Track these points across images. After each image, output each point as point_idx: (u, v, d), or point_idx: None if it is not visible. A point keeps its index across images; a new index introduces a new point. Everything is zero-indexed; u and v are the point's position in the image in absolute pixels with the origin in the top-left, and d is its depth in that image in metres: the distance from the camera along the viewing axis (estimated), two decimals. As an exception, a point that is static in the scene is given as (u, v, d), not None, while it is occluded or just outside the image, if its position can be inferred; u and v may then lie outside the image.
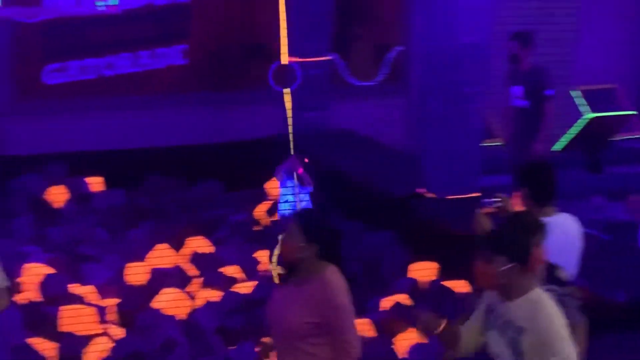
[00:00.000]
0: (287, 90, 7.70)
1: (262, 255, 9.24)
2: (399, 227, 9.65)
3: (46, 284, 8.61)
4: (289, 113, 7.69)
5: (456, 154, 9.58)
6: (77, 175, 10.96)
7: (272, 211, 10.36)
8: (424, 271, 9.02)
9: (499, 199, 6.01)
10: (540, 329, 4.72)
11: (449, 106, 9.59)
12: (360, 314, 8.30)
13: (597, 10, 13.71)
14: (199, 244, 9.51)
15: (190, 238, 9.57)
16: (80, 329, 8.02)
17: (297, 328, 5.16)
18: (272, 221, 10.25)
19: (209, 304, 8.43)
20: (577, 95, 13.32)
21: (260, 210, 10.45)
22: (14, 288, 8.53)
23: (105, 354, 7.76)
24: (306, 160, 9.32)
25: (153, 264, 9.08)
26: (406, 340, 7.99)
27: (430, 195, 9.72)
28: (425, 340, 7.79)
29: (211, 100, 12.71)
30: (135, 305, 8.42)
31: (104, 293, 8.64)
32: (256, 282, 8.70)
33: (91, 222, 10.03)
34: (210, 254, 9.39)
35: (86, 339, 7.92)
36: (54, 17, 12.05)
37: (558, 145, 13.14)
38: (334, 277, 5.21)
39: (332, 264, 5.24)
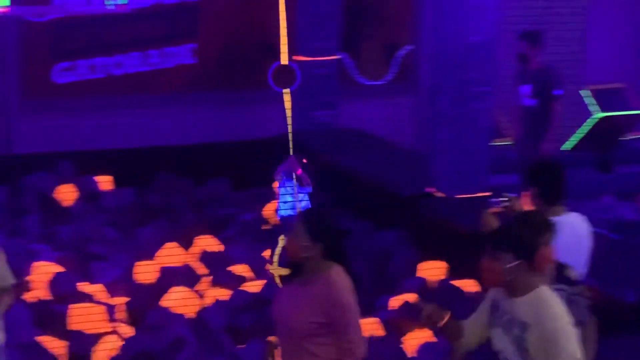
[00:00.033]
0: (286, 91, 7.69)
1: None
2: (407, 226, 9.65)
3: (55, 282, 8.63)
4: (288, 112, 7.68)
5: (465, 153, 9.57)
6: (86, 173, 10.98)
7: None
8: (433, 270, 9.01)
9: (506, 199, 6.01)
10: (546, 325, 4.72)
11: (458, 105, 9.58)
12: (368, 313, 8.32)
13: (605, 9, 13.69)
14: (208, 243, 9.52)
15: (199, 237, 9.58)
16: (89, 328, 8.02)
17: (301, 327, 5.16)
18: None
19: (218, 303, 8.44)
20: (586, 95, 13.30)
21: (269, 209, 10.45)
22: (24, 286, 8.55)
23: (114, 353, 7.76)
24: (304, 160, 9.30)
25: (162, 263, 9.08)
26: (415, 339, 7.98)
27: (439, 194, 9.71)
28: (432, 336, 7.78)
29: (220, 99, 12.72)
30: (144, 304, 8.43)
31: (113, 291, 8.64)
32: (265, 281, 8.70)
33: (100, 221, 10.04)
34: (219, 252, 9.39)
35: (95, 337, 7.93)
36: (63, 16, 12.08)
37: (567, 145, 13.12)
38: (339, 277, 5.20)
39: (337, 264, 5.24)
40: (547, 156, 9.87)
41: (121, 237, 9.76)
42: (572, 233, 5.96)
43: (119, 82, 12.62)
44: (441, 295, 8.58)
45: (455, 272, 8.85)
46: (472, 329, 5.06)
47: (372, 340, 7.93)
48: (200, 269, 9.12)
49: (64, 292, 8.51)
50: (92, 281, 8.79)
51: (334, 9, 12.25)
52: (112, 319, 8.25)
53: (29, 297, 8.46)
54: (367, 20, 13.52)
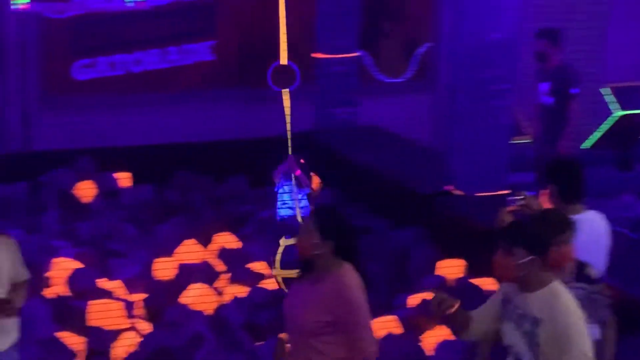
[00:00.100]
0: (286, 91, 7.68)
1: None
2: (426, 224, 9.63)
3: (74, 278, 8.65)
4: (287, 111, 7.67)
5: (484, 151, 9.54)
6: (105, 170, 11.01)
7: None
8: (451, 268, 9.00)
9: (522, 197, 6.00)
10: (558, 321, 4.73)
11: (477, 103, 9.56)
12: (387, 311, 8.32)
13: (626, 7, 13.63)
14: (227, 240, 9.53)
15: (217, 234, 9.59)
16: (108, 324, 8.04)
17: (310, 325, 5.16)
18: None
19: (237, 300, 8.45)
20: (606, 93, 13.26)
21: (288, 207, 10.45)
22: (43, 282, 8.58)
23: (132, 349, 7.78)
24: (302, 161, 9.29)
25: (181, 260, 9.10)
26: (433, 337, 7.97)
27: (458, 192, 9.69)
28: (450, 334, 7.77)
29: (239, 96, 12.73)
30: (163, 301, 8.44)
31: (131, 288, 8.66)
32: (283, 278, 8.70)
33: (119, 217, 10.07)
34: (237, 249, 9.40)
35: (114, 334, 7.95)
36: (83, 13, 12.11)
37: (587, 143, 13.08)
38: (349, 276, 5.19)
39: (348, 262, 5.23)
40: (565, 154, 9.84)
41: (140, 233, 9.79)
42: (591, 231, 5.94)
43: (138, 79, 12.65)
44: (460, 293, 8.55)
45: (474, 270, 8.83)
46: (480, 320, 5.08)
47: (391, 338, 7.93)
48: (219, 266, 9.13)
49: (83, 288, 8.53)
50: (111, 277, 8.81)
51: (354, 6, 12.24)
52: (130, 315, 8.26)
53: (48, 293, 8.49)
54: (387, 17, 13.51)
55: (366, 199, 10.61)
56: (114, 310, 8.18)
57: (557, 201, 6.02)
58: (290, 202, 9.18)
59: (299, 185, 9.25)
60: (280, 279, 7.01)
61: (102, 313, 8.11)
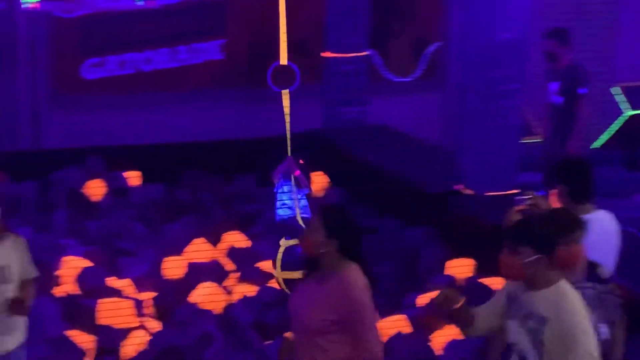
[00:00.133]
0: (285, 91, 7.68)
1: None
2: (436, 223, 9.62)
3: (84, 277, 8.66)
4: (287, 110, 7.66)
5: (494, 151, 9.53)
6: (115, 169, 11.02)
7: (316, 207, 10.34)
8: (461, 268, 8.99)
9: (530, 196, 5.99)
10: (564, 320, 4.73)
11: (487, 102, 9.54)
12: (396, 310, 8.31)
13: (636, 6, 13.59)
14: (236, 239, 9.53)
15: (227, 233, 9.59)
16: (117, 322, 8.06)
17: (315, 324, 5.16)
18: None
19: (246, 299, 8.45)
20: (617, 92, 13.22)
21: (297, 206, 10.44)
22: (53, 281, 8.59)
23: (142, 347, 7.79)
24: (301, 161, 9.29)
25: (190, 258, 9.10)
26: (443, 337, 7.97)
27: (468, 191, 9.68)
28: (459, 334, 7.76)
29: (249, 95, 12.73)
30: (172, 299, 8.45)
31: (141, 286, 8.67)
32: (292, 277, 8.70)
33: (129, 216, 10.08)
34: (246, 248, 9.40)
35: (123, 332, 7.96)
36: (93, 12, 12.13)
37: (597, 143, 13.05)
38: (355, 275, 5.18)
39: (353, 262, 5.22)
40: (573, 154, 9.83)
41: (149, 232, 9.79)
42: (601, 231, 5.93)
43: (148, 78, 12.66)
44: (469, 293, 8.54)
45: (484, 269, 8.82)
46: (483, 317, 5.09)
47: (400, 337, 7.92)
48: (228, 265, 9.13)
49: (93, 286, 8.54)
50: (121, 276, 8.82)
51: (363, 5, 12.23)
52: (140, 314, 8.27)
53: (58, 291, 8.50)
54: (396, 16, 13.50)
55: (376, 199, 10.60)
56: (123, 308, 8.19)
57: (566, 201, 6.01)
58: (290, 202, 9.18)
59: (298, 185, 9.25)
60: (281, 281, 7.00)
61: (111, 312, 8.12)
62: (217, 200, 10.62)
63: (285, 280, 6.95)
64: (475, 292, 8.50)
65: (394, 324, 8.02)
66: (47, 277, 8.28)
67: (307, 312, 5.18)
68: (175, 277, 8.88)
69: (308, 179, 9.60)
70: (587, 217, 5.65)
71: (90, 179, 10.75)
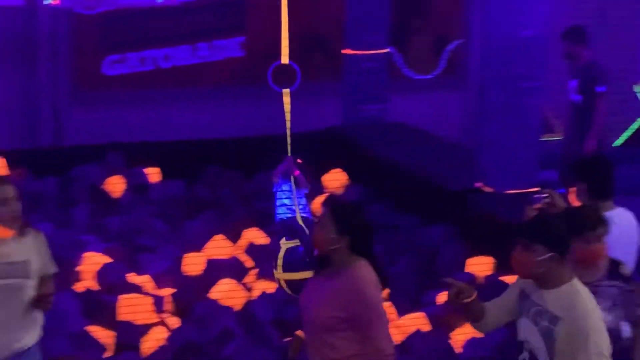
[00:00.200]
0: (286, 91, 7.67)
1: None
2: (456, 221, 9.61)
3: (104, 272, 8.69)
4: (287, 107, 7.65)
5: (514, 148, 9.51)
6: (135, 165, 11.05)
7: (327, 204, 10.36)
8: (481, 266, 8.97)
9: (547, 194, 5.97)
10: (577, 319, 4.72)
11: (507, 100, 9.52)
12: (416, 308, 8.31)
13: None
14: (255, 236, 9.54)
15: (246, 229, 9.60)
16: (137, 318, 8.08)
17: (323, 321, 5.15)
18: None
19: (265, 296, 8.46)
20: (639, 90, 13.17)
21: (316, 203, 10.45)
22: (73, 276, 8.62)
23: (161, 343, 7.81)
24: (299, 161, 9.28)
25: (210, 255, 9.12)
26: (462, 334, 7.95)
27: (488, 189, 9.66)
28: (479, 333, 7.75)
29: (269, 92, 12.71)
30: (191, 296, 8.47)
31: (160, 283, 8.69)
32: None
33: (149, 213, 10.10)
34: (265, 245, 9.41)
35: (143, 328, 7.98)
36: (113, 8, 12.16)
37: (618, 141, 13.00)
38: (364, 272, 5.17)
39: (363, 259, 5.21)
40: (592, 152, 9.80)
41: (169, 229, 9.81)
42: (622, 228, 5.91)
43: (168, 75, 12.68)
44: (489, 291, 8.52)
45: (504, 267, 8.80)
46: (494, 312, 5.08)
47: (420, 335, 7.91)
48: (247, 261, 9.15)
49: (113, 282, 8.57)
50: (140, 272, 8.84)
51: (384, 2, 12.22)
52: (159, 310, 8.29)
53: (78, 287, 8.53)
54: (417, 13, 13.48)
55: (395, 196, 10.59)
56: (143, 304, 8.21)
57: (585, 199, 5.99)
58: (289, 202, 9.18)
59: (298, 185, 9.25)
60: (282, 282, 6.99)
61: (131, 307, 8.14)
62: (237, 197, 10.63)
63: (287, 282, 6.92)
64: (495, 290, 8.48)
65: (413, 322, 8.01)
66: (67, 273, 8.31)
67: (316, 309, 5.18)
68: (195, 273, 8.90)
69: (307, 179, 9.60)
70: (606, 214, 5.63)
71: (111, 175, 10.78)
